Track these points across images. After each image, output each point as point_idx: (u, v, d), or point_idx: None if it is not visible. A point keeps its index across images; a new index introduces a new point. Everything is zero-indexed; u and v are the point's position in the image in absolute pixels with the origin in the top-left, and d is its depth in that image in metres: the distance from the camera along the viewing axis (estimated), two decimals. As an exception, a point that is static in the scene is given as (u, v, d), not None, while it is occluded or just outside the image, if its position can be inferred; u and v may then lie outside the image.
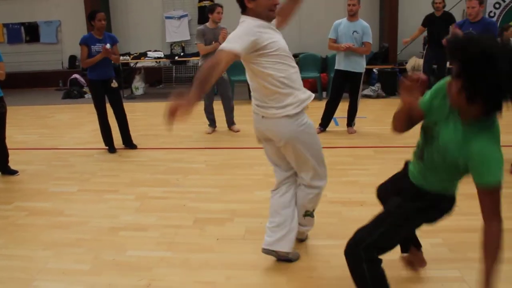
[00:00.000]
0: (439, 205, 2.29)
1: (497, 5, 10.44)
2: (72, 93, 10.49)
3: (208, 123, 6.75)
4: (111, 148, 5.89)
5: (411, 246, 2.92)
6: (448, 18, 7.91)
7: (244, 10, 2.75)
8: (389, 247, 2.34)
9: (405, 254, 2.97)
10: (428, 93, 2.10)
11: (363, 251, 2.24)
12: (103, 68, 5.69)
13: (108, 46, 5.57)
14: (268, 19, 2.75)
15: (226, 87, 6.62)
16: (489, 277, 1.87)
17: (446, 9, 8.11)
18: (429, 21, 8.04)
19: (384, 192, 2.77)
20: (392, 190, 2.56)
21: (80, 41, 5.63)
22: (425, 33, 8.25)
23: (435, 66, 8.29)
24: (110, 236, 3.57)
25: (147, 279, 2.94)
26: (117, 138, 6.02)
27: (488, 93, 1.72)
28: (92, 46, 5.60)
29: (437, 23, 7.91)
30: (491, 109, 1.80)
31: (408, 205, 2.28)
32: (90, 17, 5.63)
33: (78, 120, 8.11)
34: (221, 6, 6.39)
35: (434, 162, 2.13)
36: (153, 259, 3.20)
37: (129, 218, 3.87)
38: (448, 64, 9.55)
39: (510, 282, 2.81)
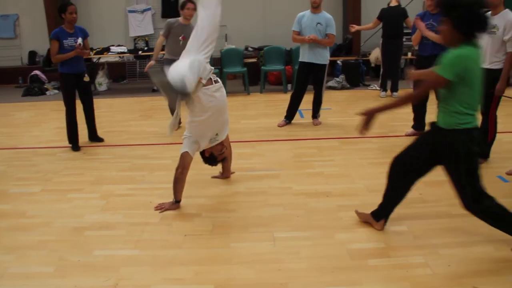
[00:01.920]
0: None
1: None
2: (33, 90, 10.19)
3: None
4: (75, 146, 5.77)
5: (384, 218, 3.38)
6: (402, 11, 8.10)
7: None
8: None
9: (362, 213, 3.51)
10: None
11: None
12: (75, 62, 5.61)
13: (80, 41, 5.50)
14: None
15: None
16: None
17: (407, 1, 8.28)
18: (384, 14, 8.19)
19: None
20: None
21: (52, 35, 5.51)
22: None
23: None
24: (75, 236, 3.50)
25: (114, 278, 2.91)
26: (81, 136, 5.90)
27: (466, 22, 2.65)
28: (64, 41, 5.49)
29: (391, 16, 8.09)
30: (470, 34, 2.69)
31: None
32: (61, 9, 5.51)
33: (40, 118, 7.89)
34: (193, 2, 6.13)
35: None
36: (120, 257, 3.16)
37: (95, 217, 3.81)
38: (408, 55, 9.78)
39: (468, 264, 2.91)
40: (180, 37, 6.15)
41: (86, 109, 5.90)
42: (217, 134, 3.99)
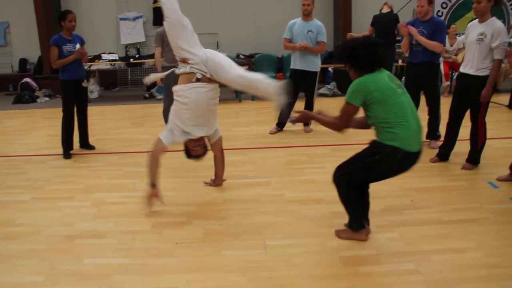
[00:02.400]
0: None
1: (444, 5, 10.89)
2: (24, 98, 10.15)
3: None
4: (67, 154, 5.75)
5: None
6: (394, 17, 8.11)
7: None
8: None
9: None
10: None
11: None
12: (76, 68, 5.71)
13: (78, 46, 5.61)
14: None
15: None
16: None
17: (397, 8, 8.33)
18: (376, 21, 8.21)
19: None
20: None
21: (51, 42, 5.61)
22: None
23: None
24: (65, 244, 3.47)
25: (105, 287, 2.88)
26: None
27: (359, 64, 3.11)
28: (63, 47, 5.59)
29: (383, 23, 8.09)
30: (363, 71, 3.10)
31: None
32: (61, 17, 5.62)
33: (31, 126, 7.86)
34: None
35: None
36: (111, 266, 3.14)
37: (86, 225, 3.78)
38: (398, 63, 9.84)
39: (459, 270, 2.92)
40: None
41: (80, 114, 5.95)
42: (188, 133, 4.05)
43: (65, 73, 5.66)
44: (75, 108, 5.88)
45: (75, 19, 5.66)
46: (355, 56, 3.10)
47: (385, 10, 8.33)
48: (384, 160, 3.08)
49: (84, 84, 5.85)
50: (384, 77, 3.09)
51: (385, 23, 8.10)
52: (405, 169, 3.18)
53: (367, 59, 3.08)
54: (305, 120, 3.52)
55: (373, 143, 3.18)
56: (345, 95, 3.12)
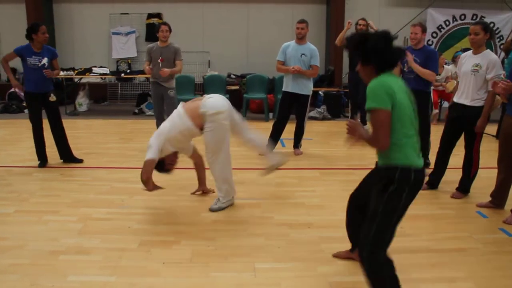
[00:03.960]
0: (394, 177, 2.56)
1: (434, 34, 11.13)
2: (11, 108, 10.03)
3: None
4: (42, 163, 5.76)
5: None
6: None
7: None
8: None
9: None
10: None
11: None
12: (40, 82, 5.59)
13: (44, 61, 5.52)
14: None
15: (174, 107, 6.50)
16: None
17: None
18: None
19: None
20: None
21: (15, 49, 5.53)
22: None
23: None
24: (49, 260, 3.38)
25: (89, 306, 2.81)
26: (55, 156, 5.82)
27: (374, 58, 2.59)
28: (27, 58, 5.48)
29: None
30: (381, 68, 2.60)
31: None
32: (32, 29, 5.47)
33: (17, 136, 7.74)
34: (166, 24, 6.50)
35: None
36: (96, 284, 3.06)
37: (71, 241, 3.70)
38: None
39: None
40: (159, 60, 6.32)
41: (53, 129, 5.87)
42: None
43: (27, 84, 5.61)
44: (49, 123, 5.84)
45: (47, 31, 5.54)
46: (367, 49, 2.58)
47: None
48: (401, 189, 2.55)
49: (51, 98, 5.71)
50: (398, 82, 2.64)
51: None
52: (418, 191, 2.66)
53: (381, 55, 2.57)
54: (354, 132, 2.60)
55: (378, 172, 2.68)
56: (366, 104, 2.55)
